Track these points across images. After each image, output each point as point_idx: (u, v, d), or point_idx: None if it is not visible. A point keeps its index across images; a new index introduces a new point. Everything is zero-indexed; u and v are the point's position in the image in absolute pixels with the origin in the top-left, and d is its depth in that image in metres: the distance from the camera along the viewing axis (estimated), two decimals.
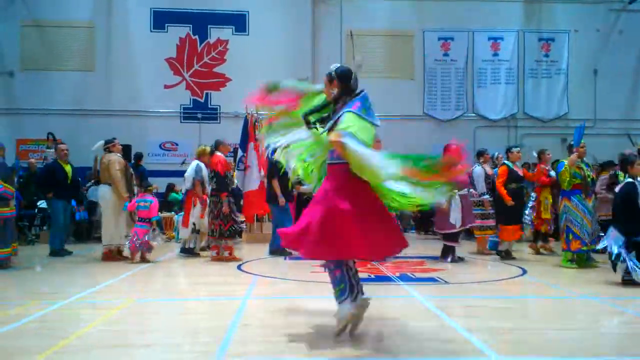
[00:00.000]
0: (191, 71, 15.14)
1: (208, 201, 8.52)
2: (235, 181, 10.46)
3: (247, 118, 11.58)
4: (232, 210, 8.22)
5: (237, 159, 11.53)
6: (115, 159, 8.42)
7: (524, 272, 7.16)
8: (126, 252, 8.19)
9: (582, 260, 7.49)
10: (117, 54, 14.83)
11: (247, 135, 11.43)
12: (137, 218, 8.12)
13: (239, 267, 7.52)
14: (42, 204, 11.60)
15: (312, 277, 6.79)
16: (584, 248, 7.36)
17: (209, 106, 15.17)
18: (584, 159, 7.84)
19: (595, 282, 6.50)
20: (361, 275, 6.81)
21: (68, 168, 9.22)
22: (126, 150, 13.88)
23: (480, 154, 9.36)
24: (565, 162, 7.52)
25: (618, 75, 15.55)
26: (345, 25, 15.35)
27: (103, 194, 8.43)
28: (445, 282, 6.36)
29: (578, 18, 15.72)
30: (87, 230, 11.70)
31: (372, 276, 6.89)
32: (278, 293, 5.98)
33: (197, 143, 14.84)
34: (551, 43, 15.76)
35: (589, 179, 7.58)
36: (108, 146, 8.59)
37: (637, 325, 4.43)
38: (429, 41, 15.56)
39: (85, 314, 4.77)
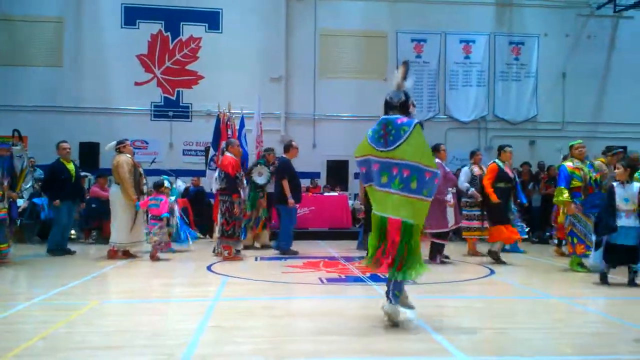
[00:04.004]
0: (162, 68, 14.95)
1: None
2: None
3: (220, 117, 11.48)
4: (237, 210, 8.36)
5: (209, 158, 11.43)
6: (124, 159, 8.40)
7: (492, 272, 7.26)
8: (133, 251, 8.44)
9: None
10: (87, 50, 14.59)
11: (220, 134, 11.33)
12: (150, 216, 8.30)
13: (209, 268, 7.45)
14: (19, 202, 11.27)
15: (283, 277, 6.78)
16: (588, 252, 6.97)
17: (181, 104, 15.01)
18: (587, 159, 7.59)
19: (561, 283, 6.65)
20: (332, 276, 6.88)
21: (71, 166, 9.10)
22: (94, 148, 13.70)
23: (472, 154, 9.48)
24: (566, 165, 7.31)
25: (586, 79, 15.90)
26: (319, 24, 15.37)
27: (113, 194, 8.47)
28: (414, 282, 6.39)
29: (548, 22, 16.04)
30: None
31: (343, 276, 6.90)
32: (248, 294, 5.93)
33: (168, 141, 14.81)
34: (521, 46, 16.03)
35: (591, 180, 7.27)
36: (119, 147, 8.59)
37: (600, 324, 4.53)
38: (402, 42, 15.66)
39: (49, 315, 4.65)
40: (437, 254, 8.01)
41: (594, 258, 6.38)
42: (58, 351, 3.60)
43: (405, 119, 4.11)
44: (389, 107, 4.27)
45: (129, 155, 8.59)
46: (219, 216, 8.39)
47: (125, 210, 8.33)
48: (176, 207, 9.36)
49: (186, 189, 12.71)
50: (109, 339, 3.91)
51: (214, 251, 8.82)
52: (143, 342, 3.83)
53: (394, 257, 4.05)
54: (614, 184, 6.32)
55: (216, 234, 9.10)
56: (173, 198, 9.52)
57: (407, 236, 4.04)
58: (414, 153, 4.03)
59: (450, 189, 8.17)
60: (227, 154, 8.47)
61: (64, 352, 3.59)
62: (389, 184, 4.09)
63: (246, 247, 9.51)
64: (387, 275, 4.29)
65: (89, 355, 3.54)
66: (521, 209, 9.81)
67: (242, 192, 8.79)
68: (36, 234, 11.03)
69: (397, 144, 4.06)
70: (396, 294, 4.20)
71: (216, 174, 9.40)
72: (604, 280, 6.20)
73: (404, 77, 4.29)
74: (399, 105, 4.22)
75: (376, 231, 4.18)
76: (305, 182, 11.57)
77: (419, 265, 4.10)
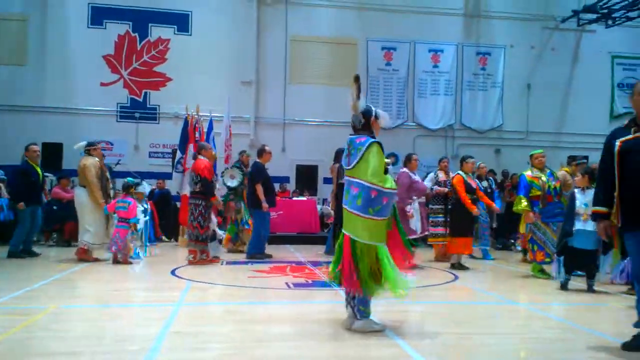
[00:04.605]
0: (130, 69, 14.72)
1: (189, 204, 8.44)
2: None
3: (187, 119, 11.37)
4: (210, 215, 8.30)
5: (176, 161, 11.31)
6: (92, 162, 8.28)
7: (456, 278, 7.34)
8: (96, 254, 8.28)
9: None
10: (51, 49, 14.27)
11: (187, 136, 11.23)
12: (117, 219, 8.11)
13: (172, 273, 7.34)
14: None
15: (248, 282, 6.72)
16: (548, 260, 7.16)
17: (148, 106, 14.80)
18: (546, 167, 7.57)
19: (523, 289, 6.77)
20: (299, 280, 6.87)
21: (39, 170, 8.91)
22: (58, 149, 13.39)
23: (440, 160, 9.62)
24: (526, 175, 7.39)
25: (550, 90, 16.31)
26: (289, 30, 15.38)
27: (79, 196, 8.32)
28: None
29: (514, 34, 16.39)
30: (12, 231, 11.06)
31: (310, 281, 6.89)
32: (213, 299, 5.87)
33: (134, 143, 14.58)
34: (488, 57, 16.34)
35: (550, 189, 7.29)
36: (89, 148, 8.46)
37: (559, 330, 4.62)
38: (372, 50, 15.80)
39: (5, 320, 4.51)
40: None
41: (557, 264, 6.57)
42: (15, 357, 3.49)
43: (363, 139, 4.18)
44: (354, 130, 4.34)
45: (97, 159, 8.45)
46: (190, 219, 8.23)
47: (92, 211, 8.21)
48: (147, 208, 9.25)
49: (151, 191, 12.53)
50: (68, 345, 3.80)
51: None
52: (103, 348, 3.75)
53: (344, 272, 4.10)
54: (575, 190, 6.52)
55: (183, 237, 9.00)
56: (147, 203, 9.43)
57: (355, 253, 4.05)
58: (365, 171, 4.08)
59: (416, 197, 8.25)
60: (201, 157, 8.36)
61: (20, 358, 3.48)
62: (347, 201, 4.17)
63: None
64: (346, 293, 4.31)
65: None
66: (492, 216, 9.94)
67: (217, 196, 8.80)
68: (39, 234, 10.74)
69: (354, 163, 4.15)
70: (361, 309, 4.19)
71: (187, 177, 9.33)
72: (564, 287, 6.35)
73: (358, 96, 4.23)
74: (362, 128, 4.29)
75: (339, 247, 4.26)
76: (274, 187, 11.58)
77: (380, 283, 4.06)
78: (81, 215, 8.34)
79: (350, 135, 4.31)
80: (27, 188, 8.73)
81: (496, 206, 9.36)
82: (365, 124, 4.27)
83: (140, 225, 8.92)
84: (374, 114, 4.29)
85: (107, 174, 8.62)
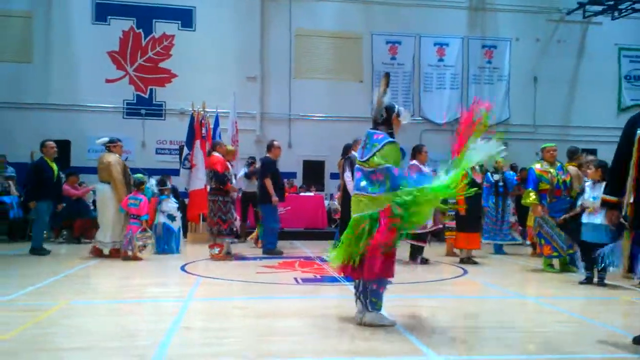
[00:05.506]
0: (135, 65, 14.74)
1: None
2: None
3: (194, 115, 11.38)
4: (230, 210, 8.37)
5: (183, 157, 11.32)
6: (116, 159, 8.37)
7: (465, 272, 7.33)
8: (106, 252, 8.31)
9: (561, 264, 7.34)
10: (57, 46, 14.31)
11: (194, 133, 11.24)
12: (129, 215, 8.19)
13: (182, 268, 7.36)
14: None
15: (257, 277, 6.74)
16: (555, 254, 7.15)
17: (154, 102, 14.82)
18: (557, 160, 7.53)
19: (533, 283, 6.75)
20: (307, 276, 6.87)
21: (54, 166, 8.92)
22: (65, 146, 13.43)
23: None
24: (535, 168, 7.35)
25: (556, 83, 16.22)
26: (294, 24, 15.34)
27: (101, 192, 8.38)
28: (389, 282, 6.40)
29: (519, 27, 16.30)
30: (22, 228, 11.15)
31: (318, 276, 6.89)
32: (222, 294, 5.87)
33: (141, 140, 14.61)
34: (494, 50, 16.26)
35: (559, 183, 7.24)
36: (109, 145, 8.51)
37: (568, 324, 4.60)
38: (377, 44, 15.74)
39: (16, 316, 4.53)
40: (417, 255, 8.07)
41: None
42: (22, 352, 3.51)
43: (381, 135, 4.24)
44: (375, 123, 4.37)
45: (118, 156, 8.51)
46: (210, 216, 8.36)
47: (112, 209, 8.26)
48: (178, 215, 9.32)
49: None
50: (78, 340, 3.82)
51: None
52: (113, 344, 3.75)
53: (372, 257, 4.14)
54: (587, 183, 6.49)
55: (192, 233, 9.05)
56: (175, 203, 9.44)
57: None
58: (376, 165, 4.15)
59: None
60: (215, 154, 8.48)
61: (29, 354, 3.50)
62: (366, 187, 4.18)
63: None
64: (356, 286, 4.35)
65: (56, 357, 3.47)
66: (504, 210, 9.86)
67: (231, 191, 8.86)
68: (5, 233, 10.76)
69: (367, 156, 4.21)
70: (373, 301, 4.20)
71: (195, 173, 9.85)
72: (585, 282, 6.32)
73: (385, 91, 4.31)
74: (382, 122, 4.33)
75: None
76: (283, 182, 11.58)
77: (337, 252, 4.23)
78: (102, 212, 8.36)
79: (370, 129, 4.35)
80: (40, 184, 8.69)
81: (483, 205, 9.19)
82: (386, 119, 4.32)
83: (178, 223, 9.15)
84: (396, 111, 4.34)
85: (129, 172, 8.68)
